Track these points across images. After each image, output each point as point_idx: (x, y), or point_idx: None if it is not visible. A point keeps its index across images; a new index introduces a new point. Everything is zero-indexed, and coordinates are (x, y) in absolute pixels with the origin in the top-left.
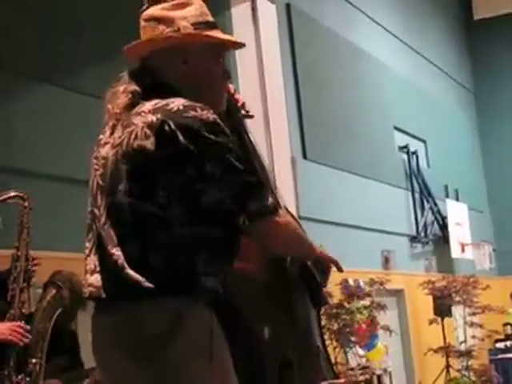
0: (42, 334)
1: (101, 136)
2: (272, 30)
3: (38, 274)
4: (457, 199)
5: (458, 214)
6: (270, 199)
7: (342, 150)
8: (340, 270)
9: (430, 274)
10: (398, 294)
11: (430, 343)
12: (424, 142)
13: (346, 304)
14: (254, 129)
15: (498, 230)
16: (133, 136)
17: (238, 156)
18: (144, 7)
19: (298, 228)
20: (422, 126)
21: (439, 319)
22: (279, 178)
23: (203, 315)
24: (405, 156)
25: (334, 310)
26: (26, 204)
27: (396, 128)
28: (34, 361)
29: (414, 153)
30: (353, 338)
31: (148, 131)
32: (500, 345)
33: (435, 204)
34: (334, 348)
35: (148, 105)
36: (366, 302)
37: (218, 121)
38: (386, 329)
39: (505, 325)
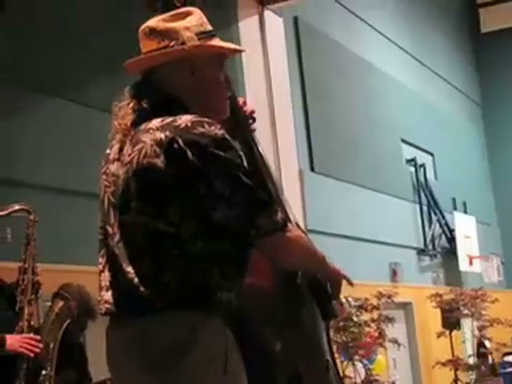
0: (51, 345)
1: (108, 151)
2: (279, 43)
3: (45, 286)
4: (465, 212)
5: (465, 227)
6: (280, 214)
7: (349, 162)
8: (350, 284)
9: (437, 287)
10: (405, 306)
11: (438, 356)
12: (432, 154)
13: (353, 317)
14: (262, 142)
15: (506, 243)
16: (142, 154)
17: (247, 171)
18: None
19: (308, 242)
20: (429, 138)
21: (447, 332)
22: (286, 190)
23: (218, 329)
24: (412, 169)
25: (342, 323)
26: (32, 217)
27: (403, 141)
28: (44, 372)
29: (422, 165)
30: (360, 351)
31: (157, 149)
32: (508, 358)
33: (443, 217)
34: (342, 361)
35: (155, 121)
36: (374, 315)
37: (226, 136)
38: (394, 342)
39: None
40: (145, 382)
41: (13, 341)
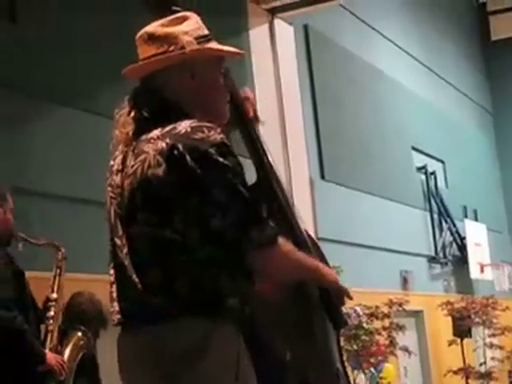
0: (68, 373)
1: (112, 162)
2: (290, 51)
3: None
4: (475, 219)
5: (476, 235)
6: (272, 228)
7: (359, 170)
8: (348, 297)
9: (448, 295)
10: (416, 314)
11: (449, 364)
12: (442, 162)
13: (364, 325)
14: (273, 150)
15: None
16: (146, 165)
17: (244, 180)
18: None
19: (299, 256)
20: (440, 146)
21: (458, 340)
22: (297, 198)
23: (231, 336)
24: (423, 176)
25: (353, 331)
26: (61, 254)
27: (414, 148)
28: None
29: (433, 173)
30: (372, 360)
31: (160, 158)
32: None
33: (454, 224)
34: (353, 369)
35: (156, 131)
36: (385, 322)
37: (225, 141)
38: (405, 350)
39: None
40: None
41: (51, 357)
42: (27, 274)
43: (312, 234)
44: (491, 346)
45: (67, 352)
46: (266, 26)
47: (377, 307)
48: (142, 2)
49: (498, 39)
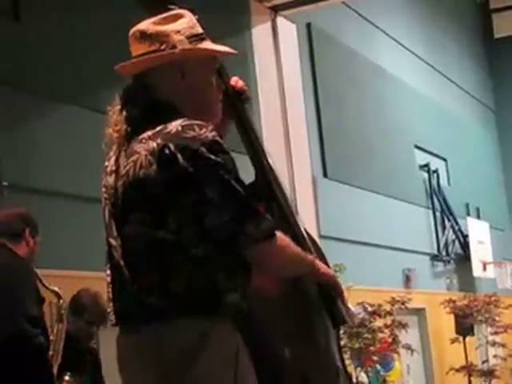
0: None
1: (106, 163)
2: (292, 49)
3: (61, 293)
4: (478, 217)
5: (479, 233)
6: (268, 223)
7: (362, 168)
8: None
9: (451, 293)
10: (419, 312)
11: (451, 362)
12: (445, 160)
13: (367, 323)
14: (275, 148)
15: None
16: (138, 165)
17: (237, 177)
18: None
19: (296, 250)
20: (442, 144)
21: (461, 338)
22: (300, 197)
23: (229, 333)
24: (425, 174)
25: (355, 329)
26: (62, 303)
27: (416, 146)
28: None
29: (435, 171)
30: (374, 358)
31: (151, 158)
32: None
33: (456, 222)
34: (355, 367)
35: (148, 130)
36: (388, 320)
37: (217, 138)
38: (408, 348)
39: None
40: None
41: None
42: None
43: (314, 232)
44: (494, 343)
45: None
46: (268, 24)
47: (379, 305)
48: (138, 1)
49: (501, 37)
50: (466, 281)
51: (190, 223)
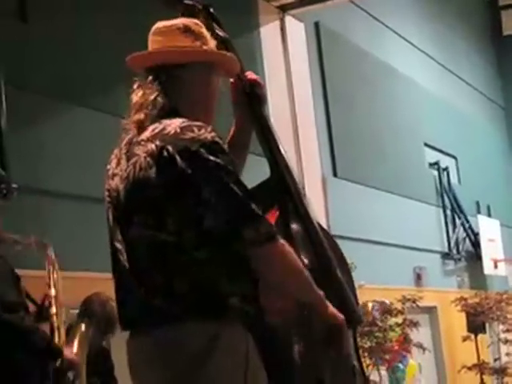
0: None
1: (108, 166)
2: (301, 48)
3: (71, 294)
4: (489, 215)
5: (490, 230)
6: (267, 225)
7: (372, 167)
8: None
9: (462, 291)
10: (430, 311)
11: (463, 360)
12: (455, 158)
13: (379, 322)
14: (285, 147)
15: None
16: (137, 168)
17: (237, 178)
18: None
19: (297, 264)
20: (452, 142)
21: (473, 336)
22: (310, 196)
23: (239, 335)
24: (435, 172)
25: (367, 328)
26: (50, 251)
27: (426, 145)
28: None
29: (445, 169)
30: (386, 356)
31: (150, 160)
32: None
33: (467, 220)
34: (367, 366)
35: (147, 132)
36: (399, 319)
37: (217, 139)
38: (419, 346)
39: None
40: None
41: (67, 352)
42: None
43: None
44: (506, 341)
45: (75, 345)
46: (276, 24)
47: (390, 303)
48: None
49: (510, 34)
50: (477, 279)
51: (190, 225)
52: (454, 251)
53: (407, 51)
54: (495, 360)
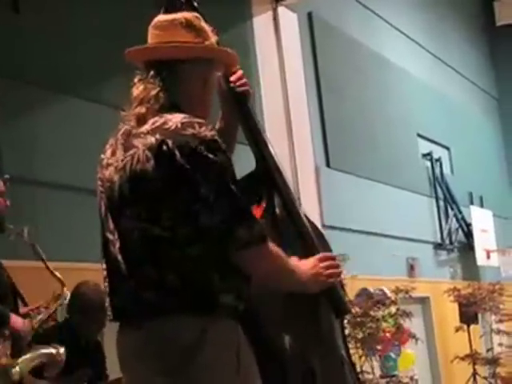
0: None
1: (102, 156)
2: (294, 39)
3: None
4: (481, 206)
5: (482, 221)
6: (260, 228)
7: (365, 158)
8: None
9: (455, 282)
10: (423, 301)
11: (456, 351)
12: (448, 148)
13: (371, 312)
14: (278, 138)
15: None
16: (135, 160)
17: (234, 177)
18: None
19: (284, 261)
20: (445, 132)
21: (465, 327)
22: (303, 186)
23: (229, 329)
24: (428, 163)
25: (359, 319)
26: (65, 291)
27: (419, 135)
28: None
29: (438, 160)
30: (378, 347)
31: (149, 153)
32: None
33: (459, 211)
34: (360, 357)
35: (146, 125)
36: (392, 309)
37: (216, 137)
38: (412, 337)
39: None
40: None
41: (17, 321)
42: None
43: (317, 221)
44: (498, 332)
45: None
46: (269, 14)
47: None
48: None
49: (503, 24)
50: (470, 269)
51: (185, 221)
52: (447, 242)
53: (400, 41)
54: (488, 350)
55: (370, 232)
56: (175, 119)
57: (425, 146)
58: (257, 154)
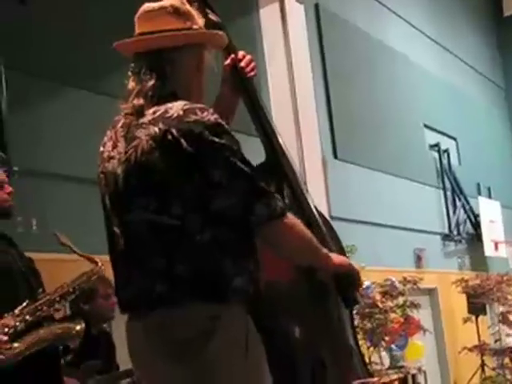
0: None
1: (101, 149)
2: (301, 30)
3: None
4: (489, 197)
5: (490, 212)
6: (278, 202)
7: (372, 149)
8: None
9: (463, 273)
10: (431, 292)
11: (464, 342)
12: (455, 139)
13: (379, 304)
14: (285, 130)
15: None
16: (139, 151)
17: (243, 157)
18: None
19: (307, 234)
20: (452, 123)
21: (473, 317)
22: (310, 178)
23: (238, 316)
24: (436, 154)
25: (368, 310)
26: (100, 265)
27: (426, 126)
28: None
29: (446, 151)
30: (386, 338)
31: (153, 143)
32: None
33: (467, 202)
34: (368, 348)
35: (148, 115)
36: (400, 300)
37: (220, 121)
38: (420, 328)
39: None
40: (168, 372)
41: None
42: None
43: (325, 212)
44: (504, 322)
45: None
46: (276, 5)
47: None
48: None
49: (510, 15)
50: (478, 260)
51: (196, 208)
52: (455, 233)
53: (407, 32)
54: (496, 341)
55: (377, 223)
56: (176, 107)
57: (432, 137)
58: (265, 142)
